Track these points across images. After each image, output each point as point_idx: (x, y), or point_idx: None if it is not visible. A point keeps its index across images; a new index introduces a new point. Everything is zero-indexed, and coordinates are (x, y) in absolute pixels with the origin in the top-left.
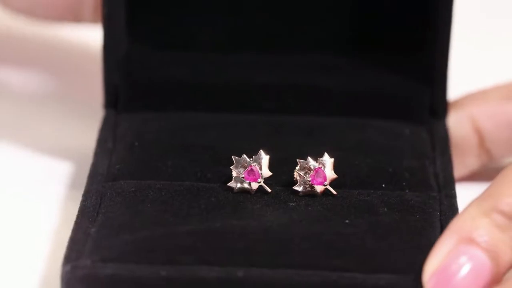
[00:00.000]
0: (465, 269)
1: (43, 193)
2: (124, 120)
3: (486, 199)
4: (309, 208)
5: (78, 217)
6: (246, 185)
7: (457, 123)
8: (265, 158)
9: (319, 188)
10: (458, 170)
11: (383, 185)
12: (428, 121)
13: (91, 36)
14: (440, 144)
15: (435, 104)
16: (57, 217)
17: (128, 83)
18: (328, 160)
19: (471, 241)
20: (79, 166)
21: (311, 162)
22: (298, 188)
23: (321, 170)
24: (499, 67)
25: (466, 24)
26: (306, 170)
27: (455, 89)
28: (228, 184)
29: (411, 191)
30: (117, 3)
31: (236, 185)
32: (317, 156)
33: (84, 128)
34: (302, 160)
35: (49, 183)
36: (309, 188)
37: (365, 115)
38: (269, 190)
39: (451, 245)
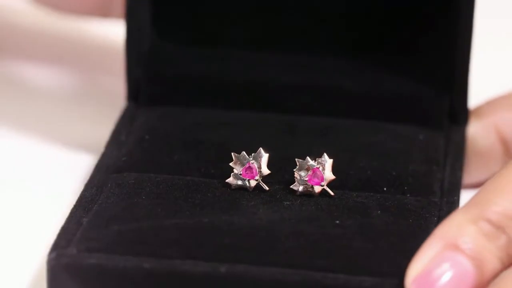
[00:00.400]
0: (447, 276)
1: (64, 186)
2: (141, 114)
3: (474, 206)
4: (303, 208)
5: (74, 206)
6: (244, 182)
7: (480, 132)
8: (264, 156)
9: (317, 189)
10: (484, 177)
11: (385, 188)
12: (447, 127)
13: (117, 31)
14: (454, 150)
15: (455, 110)
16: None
17: (149, 78)
18: (327, 161)
19: (456, 247)
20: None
21: (310, 162)
22: (295, 187)
23: (318, 171)
24: None
25: (489, 26)
26: (305, 170)
27: (477, 93)
28: (226, 181)
29: (412, 195)
30: None
31: (234, 182)
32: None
33: (108, 122)
34: (300, 160)
35: (71, 176)
36: (308, 188)
37: (382, 118)
38: (267, 188)
39: (436, 251)
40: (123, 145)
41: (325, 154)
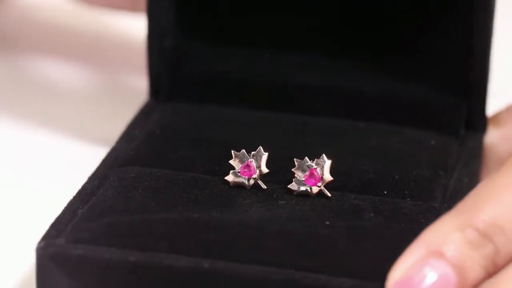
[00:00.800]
0: (428, 282)
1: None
2: (159, 110)
3: (462, 213)
4: (297, 208)
5: (73, 197)
6: (242, 180)
7: (499, 141)
8: (264, 155)
9: (314, 189)
10: None
11: (385, 192)
12: (462, 134)
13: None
14: (467, 157)
15: (472, 117)
16: None
17: (169, 74)
18: (325, 162)
19: (439, 254)
20: None
21: (308, 162)
22: (293, 187)
23: (316, 171)
24: None
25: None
26: (303, 170)
27: (496, 98)
28: (225, 178)
29: (412, 200)
30: None
31: (232, 179)
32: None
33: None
34: (299, 160)
35: (85, 171)
36: (306, 188)
37: (396, 122)
38: (265, 187)
39: (419, 256)
40: (134, 139)
41: (323, 155)
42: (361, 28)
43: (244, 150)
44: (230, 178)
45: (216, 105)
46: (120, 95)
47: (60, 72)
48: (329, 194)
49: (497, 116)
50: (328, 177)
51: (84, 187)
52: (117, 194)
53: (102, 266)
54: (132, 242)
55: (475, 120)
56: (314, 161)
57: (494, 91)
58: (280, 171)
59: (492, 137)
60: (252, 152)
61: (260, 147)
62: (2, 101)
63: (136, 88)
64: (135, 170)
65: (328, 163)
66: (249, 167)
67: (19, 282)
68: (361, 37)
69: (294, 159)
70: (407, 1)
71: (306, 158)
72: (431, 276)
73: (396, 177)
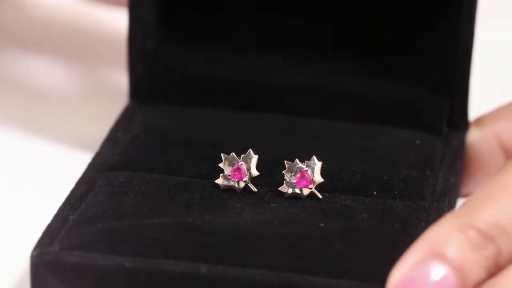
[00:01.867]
0: (429, 284)
1: (61, 185)
2: (141, 112)
3: (464, 213)
4: (289, 210)
5: (62, 204)
6: (232, 183)
7: (481, 141)
8: (253, 158)
9: (305, 191)
10: None
11: (375, 193)
12: (445, 132)
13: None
14: (451, 156)
15: (455, 116)
16: None
17: (151, 76)
18: (316, 164)
19: (440, 256)
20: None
21: (298, 164)
22: (284, 189)
23: (306, 173)
24: None
25: (492, 30)
26: (293, 172)
27: (479, 100)
28: (215, 181)
29: (402, 200)
30: None
31: (223, 183)
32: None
33: (110, 120)
34: (289, 162)
35: (69, 175)
36: (296, 191)
37: (381, 122)
38: (255, 189)
39: (419, 257)
40: (118, 143)
41: (314, 156)
42: (346, 29)
43: (234, 153)
44: (220, 181)
45: (199, 107)
46: (104, 95)
47: (42, 71)
48: (320, 196)
49: (480, 119)
50: (319, 179)
51: (72, 193)
52: (108, 199)
53: (98, 273)
54: (127, 248)
55: (458, 118)
56: (305, 163)
57: (475, 95)
58: (269, 174)
59: (474, 137)
60: (242, 155)
61: (250, 149)
62: None
63: (119, 88)
64: (124, 174)
65: (318, 165)
66: (239, 170)
67: None
68: (346, 38)
69: (285, 161)
70: (391, 2)
71: (297, 160)
72: (431, 278)
73: (385, 177)
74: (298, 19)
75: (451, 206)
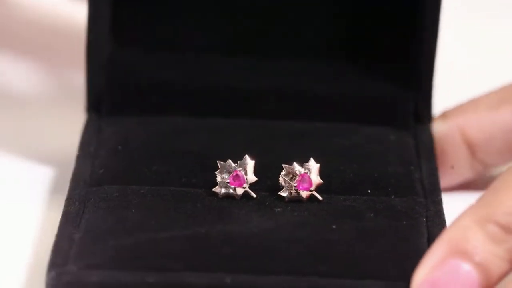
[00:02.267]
0: (452, 283)
1: (24, 198)
2: (108, 125)
3: (482, 208)
4: (295, 214)
5: (61, 222)
6: (231, 191)
7: (445, 135)
8: (250, 163)
9: (304, 194)
10: (452, 179)
11: (369, 191)
12: (413, 126)
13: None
14: (425, 150)
15: (419, 109)
16: (40, 222)
17: (113, 87)
18: (314, 166)
19: (461, 253)
20: (60, 170)
21: (297, 167)
22: (284, 193)
23: (307, 176)
24: (489, 73)
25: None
26: (292, 176)
27: (444, 96)
28: (213, 190)
29: (397, 196)
30: (103, 3)
31: (221, 191)
32: (303, 161)
33: (63, 131)
34: (287, 165)
35: (30, 187)
36: (294, 194)
37: (353, 120)
38: (254, 195)
39: (441, 256)
40: (95, 157)
41: (311, 159)
42: (308, 30)
43: (230, 160)
44: (218, 189)
45: (166, 115)
46: (52, 107)
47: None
48: (320, 198)
49: (445, 113)
50: (318, 180)
51: (67, 211)
52: (109, 215)
53: None
54: (146, 263)
55: (422, 112)
56: (303, 166)
57: (439, 89)
58: (260, 178)
59: (438, 130)
60: (239, 161)
61: (246, 155)
62: None
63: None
64: (115, 189)
65: (316, 166)
66: (238, 177)
67: None
68: (309, 39)
69: (283, 164)
70: (354, 2)
71: (295, 163)
72: (454, 276)
73: (376, 175)
74: (260, 21)
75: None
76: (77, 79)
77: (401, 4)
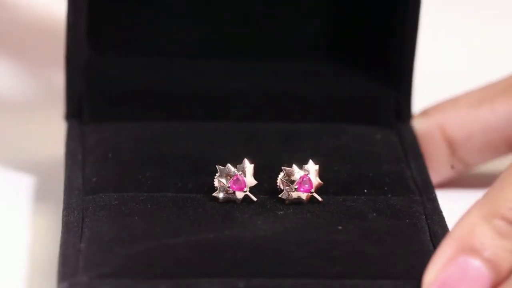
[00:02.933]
0: (463, 280)
1: (8, 207)
2: (91, 131)
3: (488, 203)
4: (298, 216)
5: (63, 232)
6: (231, 195)
7: (425, 132)
8: (249, 167)
9: (304, 196)
10: (433, 177)
11: (365, 190)
12: (395, 124)
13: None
14: (411, 148)
15: (401, 107)
16: (27, 231)
17: (94, 93)
18: (312, 167)
19: (471, 250)
20: (43, 179)
21: (297, 169)
22: (284, 196)
23: (307, 178)
24: (470, 72)
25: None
26: (291, 178)
27: (423, 95)
28: (213, 194)
29: (394, 195)
30: (81, 10)
31: (222, 195)
32: (300, 163)
33: (43, 139)
34: (287, 168)
35: (14, 196)
36: (294, 196)
37: (337, 120)
38: (255, 199)
39: (450, 254)
40: (84, 165)
41: (310, 160)
42: (288, 29)
43: (229, 164)
44: (218, 194)
45: (149, 120)
46: (30, 114)
47: None
48: (320, 199)
49: (425, 111)
50: (317, 182)
51: (67, 220)
52: (112, 223)
53: None
54: (158, 270)
55: (403, 109)
56: (303, 168)
57: (419, 88)
58: (258, 181)
59: (419, 127)
60: (238, 165)
61: (245, 159)
62: None
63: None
64: (112, 197)
65: (315, 168)
66: (239, 181)
67: None
68: (289, 40)
69: (282, 167)
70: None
71: (294, 165)
72: (464, 273)
73: (370, 174)
74: (236, 24)
75: None
76: (57, 81)
77: (381, 3)
